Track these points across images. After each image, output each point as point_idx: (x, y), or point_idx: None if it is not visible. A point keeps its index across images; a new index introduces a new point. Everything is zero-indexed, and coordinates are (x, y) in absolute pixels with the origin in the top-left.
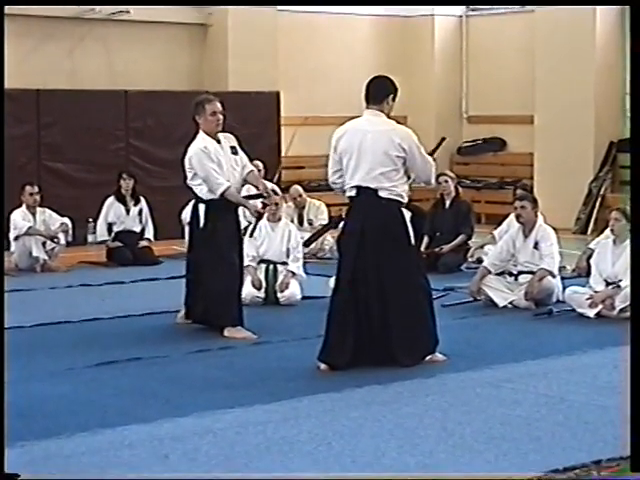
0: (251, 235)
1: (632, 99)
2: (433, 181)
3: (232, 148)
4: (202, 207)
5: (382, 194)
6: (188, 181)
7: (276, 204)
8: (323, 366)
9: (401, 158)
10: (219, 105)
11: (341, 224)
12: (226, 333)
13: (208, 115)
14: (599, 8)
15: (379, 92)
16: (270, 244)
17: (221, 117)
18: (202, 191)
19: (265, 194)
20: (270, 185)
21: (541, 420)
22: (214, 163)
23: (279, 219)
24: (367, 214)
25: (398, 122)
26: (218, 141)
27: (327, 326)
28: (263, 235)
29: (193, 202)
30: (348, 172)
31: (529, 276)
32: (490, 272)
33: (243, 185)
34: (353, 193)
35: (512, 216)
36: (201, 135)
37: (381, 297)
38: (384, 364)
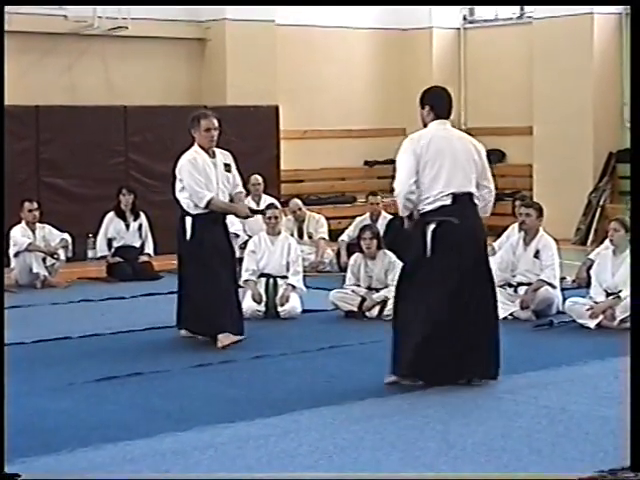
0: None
1: (632, 100)
2: (489, 208)
3: (226, 165)
4: (189, 220)
5: (475, 200)
6: (177, 193)
7: (276, 217)
8: None
9: (476, 164)
10: (215, 121)
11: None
12: (219, 344)
13: (202, 131)
14: (597, 18)
15: (451, 106)
16: (270, 258)
17: (215, 134)
18: (189, 205)
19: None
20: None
21: (542, 431)
22: (200, 175)
23: (279, 233)
24: (467, 221)
25: (396, 134)
26: (213, 155)
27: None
28: (263, 249)
29: (179, 215)
30: (440, 180)
31: None
32: None
33: (231, 201)
34: (448, 202)
35: (512, 227)
36: (194, 148)
37: (478, 309)
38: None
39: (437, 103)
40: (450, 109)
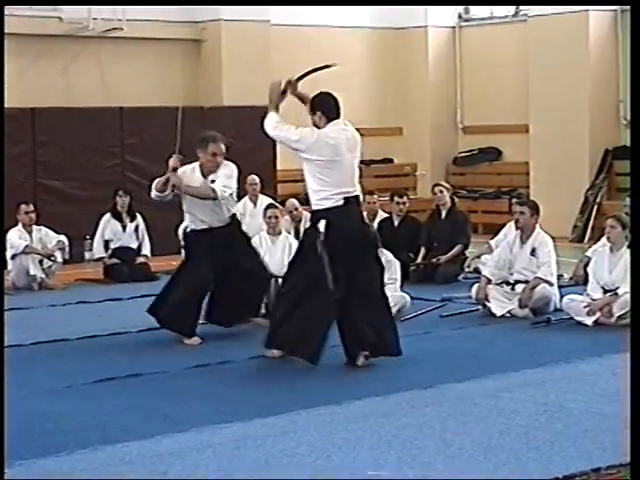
0: None
1: (632, 99)
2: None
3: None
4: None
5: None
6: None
7: (276, 217)
8: None
9: None
10: (222, 147)
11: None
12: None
13: (209, 154)
14: (592, 15)
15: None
16: (270, 258)
17: (220, 160)
18: None
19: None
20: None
21: (540, 429)
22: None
23: (279, 233)
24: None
25: (392, 133)
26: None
27: None
28: (263, 249)
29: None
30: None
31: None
32: (490, 281)
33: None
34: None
35: (509, 225)
36: (195, 165)
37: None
38: None
39: (336, 106)
40: (339, 110)
